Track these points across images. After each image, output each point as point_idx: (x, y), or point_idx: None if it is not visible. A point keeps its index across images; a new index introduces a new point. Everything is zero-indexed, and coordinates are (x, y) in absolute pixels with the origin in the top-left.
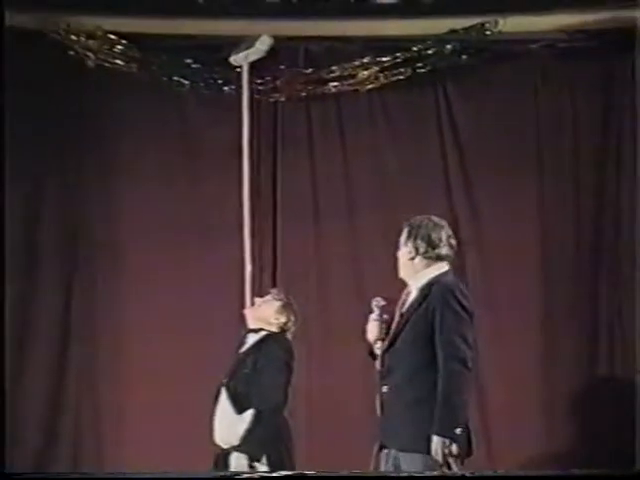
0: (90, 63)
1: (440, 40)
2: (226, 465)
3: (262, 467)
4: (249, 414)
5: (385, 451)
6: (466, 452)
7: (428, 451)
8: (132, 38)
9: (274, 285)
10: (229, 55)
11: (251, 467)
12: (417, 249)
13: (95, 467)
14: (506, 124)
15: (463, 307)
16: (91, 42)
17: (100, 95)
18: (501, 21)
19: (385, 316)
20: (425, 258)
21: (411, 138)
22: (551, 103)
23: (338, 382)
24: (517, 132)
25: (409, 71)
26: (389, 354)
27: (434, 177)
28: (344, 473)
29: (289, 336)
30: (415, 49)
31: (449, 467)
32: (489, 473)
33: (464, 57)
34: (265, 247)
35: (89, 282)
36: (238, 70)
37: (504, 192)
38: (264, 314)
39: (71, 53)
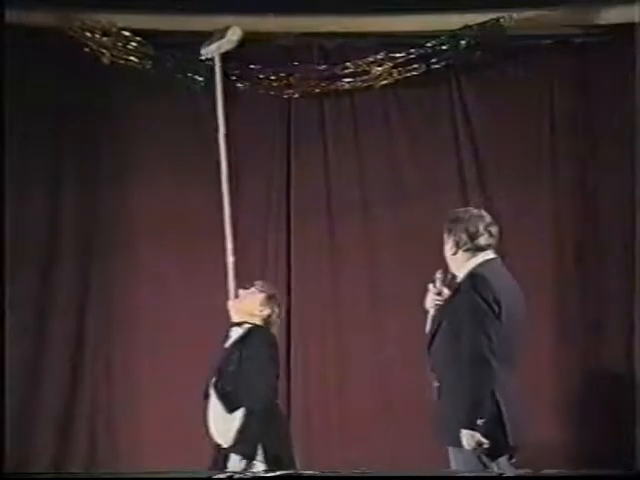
0: (105, 60)
1: (454, 36)
2: (225, 464)
3: (260, 465)
4: (239, 413)
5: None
6: (503, 446)
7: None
8: (146, 35)
9: (289, 282)
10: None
11: (249, 466)
12: (457, 243)
13: (110, 467)
14: (520, 120)
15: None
16: (105, 39)
17: (115, 92)
18: (515, 16)
19: (440, 287)
20: (466, 251)
21: (425, 134)
22: (565, 98)
23: (352, 375)
24: (532, 128)
25: (423, 67)
26: (433, 350)
27: (448, 173)
28: (342, 473)
29: (274, 330)
30: (429, 45)
31: (481, 460)
32: (488, 473)
33: (478, 53)
34: (279, 243)
35: (104, 287)
36: (252, 67)
37: (518, 187)
38: (248, 306)
39: (86, 50)
